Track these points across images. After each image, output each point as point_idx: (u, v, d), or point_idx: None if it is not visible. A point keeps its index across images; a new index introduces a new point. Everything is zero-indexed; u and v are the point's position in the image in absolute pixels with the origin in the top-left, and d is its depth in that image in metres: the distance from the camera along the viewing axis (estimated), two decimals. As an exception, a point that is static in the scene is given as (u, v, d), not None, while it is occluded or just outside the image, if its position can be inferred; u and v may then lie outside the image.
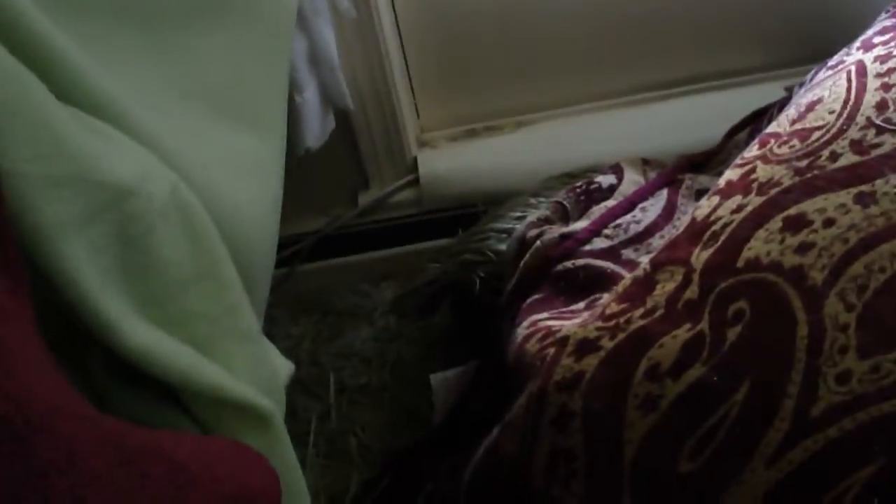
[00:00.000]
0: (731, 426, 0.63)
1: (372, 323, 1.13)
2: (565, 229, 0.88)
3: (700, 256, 0.74)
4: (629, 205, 0.91)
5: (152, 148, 0.47)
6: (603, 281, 0.85)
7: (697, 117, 1.14)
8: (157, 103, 0.55)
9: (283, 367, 0.58)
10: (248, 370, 0.48)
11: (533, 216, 0.91)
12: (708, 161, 1.01)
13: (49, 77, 0.39)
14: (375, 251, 1.18)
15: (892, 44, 0.87)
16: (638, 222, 0.89)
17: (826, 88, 0.85)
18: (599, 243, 0.88)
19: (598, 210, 0.90)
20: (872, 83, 0.82)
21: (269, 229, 0.71)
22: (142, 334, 0.41)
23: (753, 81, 1.14)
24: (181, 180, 0.47)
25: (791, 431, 0.61)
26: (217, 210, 0.52)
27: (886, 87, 0.81)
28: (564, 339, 0.73)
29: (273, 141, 0.74)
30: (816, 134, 0.80)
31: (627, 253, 0.88)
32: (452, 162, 1.16)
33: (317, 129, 1.01)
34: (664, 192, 0.94)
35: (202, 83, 0.64)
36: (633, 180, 0.94)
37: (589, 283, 0.86)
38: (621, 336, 0.71)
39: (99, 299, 0.38)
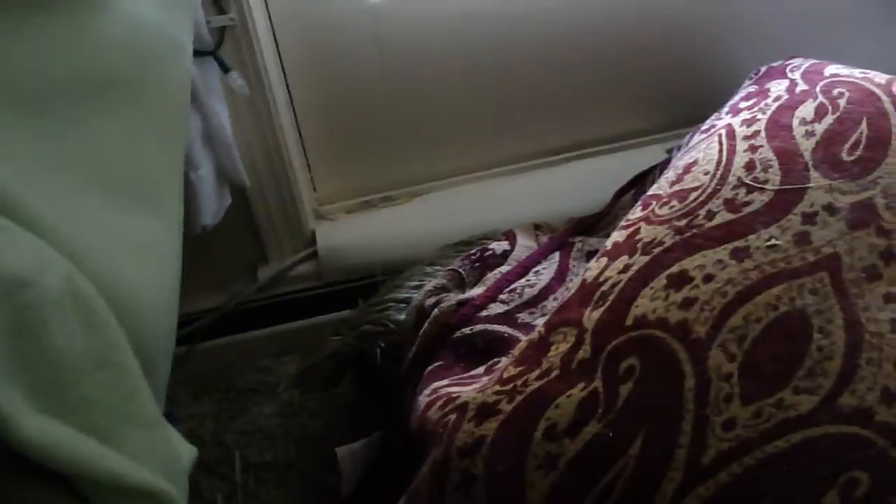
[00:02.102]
0: (627, 480, 0.65)
1: (275, 398, 1.12)
2: (462, 296, 0.91)
3: (591, 316, 0.77)
4: (523, 269, 0.94)
5: (47, 236, 0.47)
6: (501, 345, 0.88)
7: (585, 181, 1.19)
8: (50, 189, 0.55)
9: (186, 451, 0.57)
10: (149, 456, 0.47)
11: (430, 285, 0.93)
12: (597, 223, 1.06)
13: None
14: (276, 326, 1.18)
15: (756, 108, 0.93)
16: (532, 286, 0.92)
17: (700, 151, 0.91)
18: (495, 308, 0.90)
19: (492, 276, 0.93)
20: (741, 145, 0.89)
21: (167, 310, 0.70)
22: (37, 426, 0.40)
23: (636, 145, 1.20)
24: (76, 268, 0.47)
25: (684, 481, 0.64)
26: (114, 295, 0.52)
27: (753, 149, 0.88)
28: (464, 405, 0.75)
29: (169, 220, 0.74)
30: (693, 195, 0.85)
31: (523, 317, 0.91)
32: (350, 234, 1.18)
33: (213, 207, 1.01)
34: (556, 256, 0.98)
35: (95, 166, 0.64)
36: (525, 245, 0.98)
37: (487, 349, 0.88)
38: (519, 399, 0.73)
39: (-6, 393, 0.38)
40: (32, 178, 0.53)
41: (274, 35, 1.07)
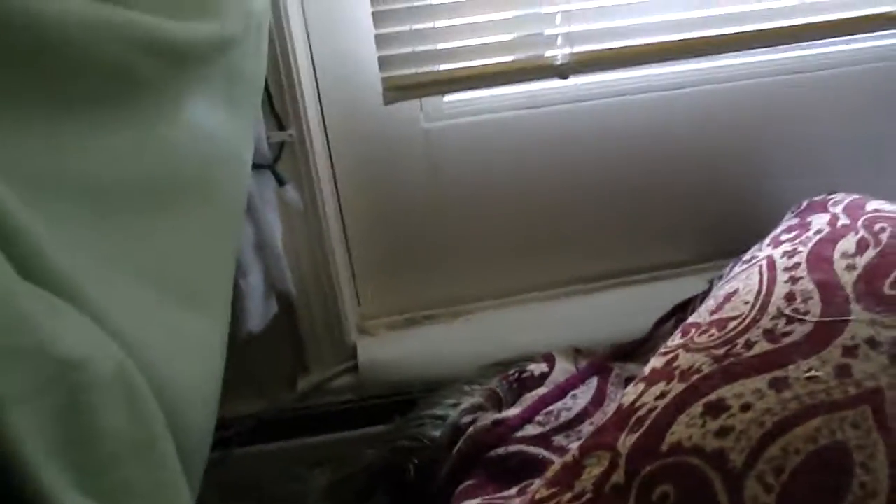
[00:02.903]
0: None
1: (306, 510, 1.11)
2: (498, 416, 0.91)
3: (626, 441, 0.76)
4: (560, 392, 0.94)
5: (103, 324, 0.49)
6: (534, 467, 0.87)
7: (627, 308, 1.20)
8: (109, 282, 0.57)
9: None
10: None
11: (467, 403, 0.94)
12: (636, 350, 1.06)
13: (11, 252, 0.42)
14: (313, 436, 1.18)
15: (797, 240, 0.94)
16: (569, 409, 0.92)
17: (741, 281, 0.92)
18: (531, 430, 0.90)
19: (530, 397, 0.93)
20: (781, 276, 0.89)
21: (208, 408, 0.72)
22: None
23: (679, 275, 1.21)
24: (128, 357, 0.49)
25: None
26: (161, 387, 0.54)
27: (794, 280, 0.88)
28: (496, 524, 0.74)
29: (218, 322, 0.76)
30: (733, 323, 0.85)
31: (559, 439, 0.90)
32: (391, 350, 1.19)
33: (259, 314, 1.04)
34: (594, 380, 0.98)
35: (154, 264, 0.67)
36: (564, 369, 0.98)
37: (521, 470, 0.87)
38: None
39: (41, 469, 0.39)
40: (93, 268, 0.55)
41: (330, 152, 1.12)
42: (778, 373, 0.78)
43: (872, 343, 0.80)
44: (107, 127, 0.64)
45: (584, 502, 0.73)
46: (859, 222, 0.96)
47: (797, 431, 0.73)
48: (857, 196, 1.02)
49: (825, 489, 0.68)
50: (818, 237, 0.95)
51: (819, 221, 0.98)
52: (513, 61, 1.00)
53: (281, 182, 1.03)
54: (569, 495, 0.74)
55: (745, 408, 0.76)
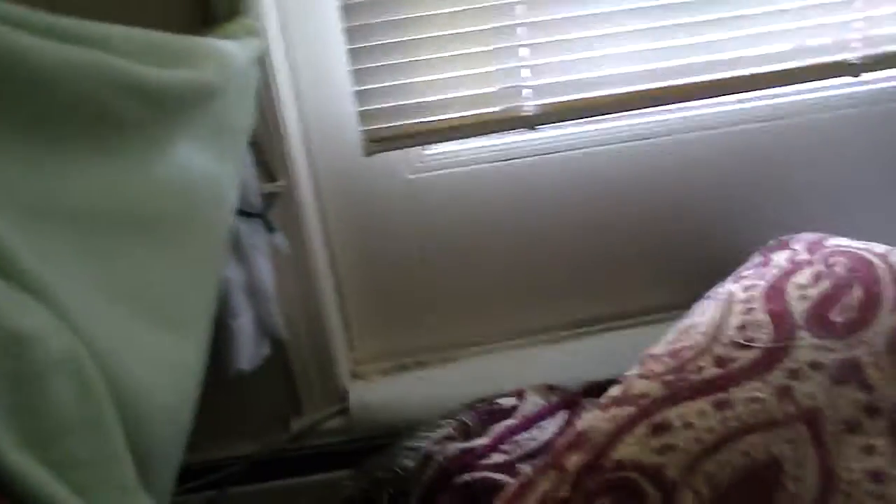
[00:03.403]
0: None
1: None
2: (466, 445, 0.95)
3: (574, 460, 0.80)
4: (528, 423, 0.98)
5: (64, 320, 0.55)
6: (498, 493, 0.90)
7: (612, 352, 1.23)
8: (80, 292, 0.63)
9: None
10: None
11: (438, 434, 0.98)
12: (608, 387, 1.09)
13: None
14: (304, 477, 1.22)
15: (756, 276, 0.98)
16: (534, 439, 0.96)
17: (700, 314, 0.96)
18: (497, 458, 0.94)
19: (497, 428, 0.97)
20: (737, 307, 0.93)
21: (176, 426, 0.77)
22: (21, 460, 0.46)
23: (660, 320, 1.24)
24: (81, 346, 0.55)
25: None
26: (115, 381, 0.59)
27: (747, 311, 0.92)
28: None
29: (192, 345, 0.82)
30: (686, 353, 0.89)
31: (523, 467, 0.94)
32: (382, 393, 1.24)
33: (249, 354, 1.10)
34: (563, 414, 1.02)
35: (129, 284, 0.73)
36: (534, 402, 1.02)
37: (485, 495, 0.91)
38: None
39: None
40: (65, 278, 0.62)
41: (320, 202, 1.19)
42: (722, 395, 0.82)
43: (815, 365, 0.84)
44: (87, 160, 0.71)
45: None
46: (817, 256, 1.00)
47: (733, 446, 0.76)
48: (821, 235, 1.06)
49: (754, 499, 0.71)
50: (776, 271, 0.99)
51: (779, 258, 1.02)
52: (482, 114, 1.07)
53: (270, 230, 1.10)
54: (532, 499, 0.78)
55: (688, 426, 0.79)
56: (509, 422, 0.98)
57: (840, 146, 1.23)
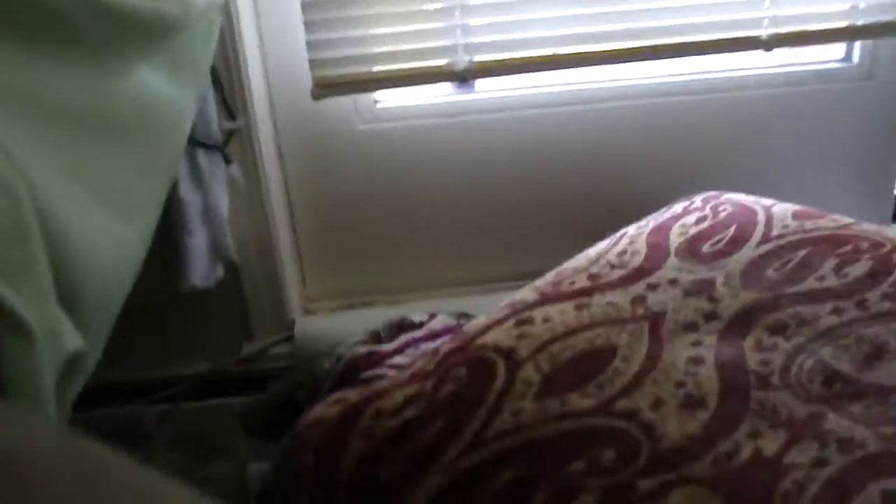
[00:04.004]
0: (423, 447, 0.77)
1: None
2: (373, 348, 1.06)
3: (446, 346, 0.91)
4: (432, 335, 1.08)
5: (17, 171, 0.67)
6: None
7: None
8: (39, 164, 0.76)
9: (70, 336, 0.73)
10: (30, 306, 0.64)
11: (352, 340, 1.09)
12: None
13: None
14: (250, 396, 1.34)
15: (652, 218, 1.08)
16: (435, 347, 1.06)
17: (595, 247, 1.06)
18: (399, 360, 1.05)
19: (404, 337, 1.08)
20: (624, 241, 1.03)
21: (111, 294, 0.89)
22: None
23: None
24: (20, 183, 0.67)
25: (467, 445, 0.75)
26: (61, 241, 0.71)
27: (631, 242, 1.02)
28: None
29: (135, 231, 0.94)
30: (568, 271, 1.00)
31: (419, 366, 1.04)
32: (325, 326, 1.35)
33: (203, 272, 1.22)
34: (468, 332, 1.12)
35: (85, 169, 0.85)
36: (442, 320, 1.13)
37: (383, 386, 1.01)
38: (367, 392, 0.87)
39: None
40: (25, 145, 0.74)
41: (277, 143, 1.32)
42: (584, 300, 0.92)
43: (673, 282, 0.94)
44: (58, 66, 0.83)
45: (395, 383, 0.87)
46: (708, 206, 1.10)
47: (580, 335, 0.86)
48: (725, 191, 1.15)
49: (581, 372, 0.81)
50: (668, 215, 1.09)
51: (678, 206, 1.12)
52: (418, 67, 1.19)
53: (227, 162, 1.23)
54: (389, 382, 0.89)
55: (546, 320, 0.89)
56: (416, 333, 1.08)
57: (763, 122, 1.33)
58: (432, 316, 1.15)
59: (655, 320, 0.88)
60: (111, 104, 0.93)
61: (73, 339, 0.76)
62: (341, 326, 1.36)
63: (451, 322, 1.14)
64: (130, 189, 0.95)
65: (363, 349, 1.06)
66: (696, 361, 0.82)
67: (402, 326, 1.12)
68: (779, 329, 0.86)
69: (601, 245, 1.06)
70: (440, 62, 1.20)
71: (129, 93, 0.96)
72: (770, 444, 0.72)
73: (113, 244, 0.87)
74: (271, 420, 1.15)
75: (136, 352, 1.35)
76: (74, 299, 0.73)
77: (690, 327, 0.87)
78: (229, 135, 1.24)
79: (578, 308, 0.91)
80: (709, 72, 1.30)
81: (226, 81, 1.21)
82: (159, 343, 1.35)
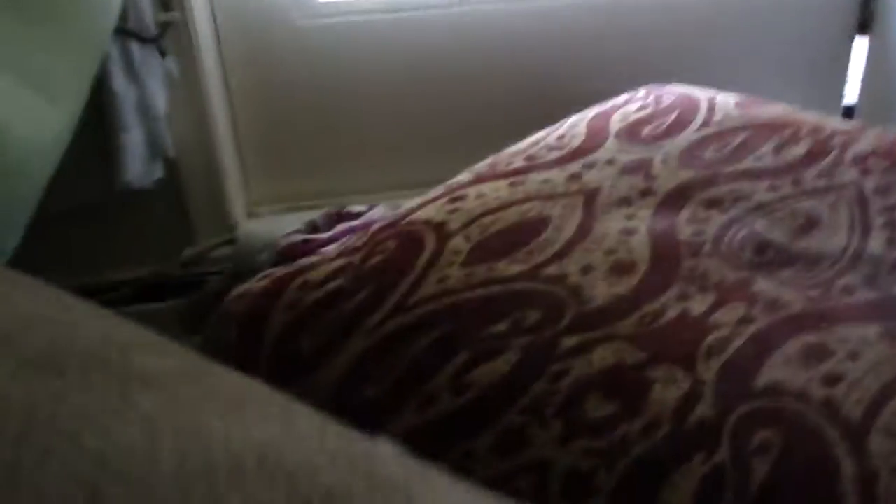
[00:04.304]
0: (346, 317, 0.75)
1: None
2: (307, 236, 1.03)
3: (377, 224, 0.89)
4: (368, 224, 1.06)
5: None
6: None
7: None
8: None
9: None
10: None
11: (289, 230, 1.06)
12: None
13: None
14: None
15: (596, 107, 1.06)
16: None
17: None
18: (332, 248, 1.03)
19: (340, 226, 1.06)
20: (565, 127, 1.01)
21: (37, 169, 0.87)
22: None
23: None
24: None
25: (389, 312, 0.73)
26: None
27: (572, 126, 1.01)
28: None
29: (62, 112, 0.91)
30: (506, 154, 0.98)
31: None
32: (268, 227, 1.32)
33: (139, 169, 1.19)
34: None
35: (12, 58, 0.83)
36: (380, 211, 1.10)
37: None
38: (293, 267, 0.85)
39: None
40: None
41: (216, 38, 1.28)
42: (519, 177, 0.91)
43: (610, 161, 0.92)
44: None
45: (325, 258, 0.85)
46: (651, 96, 1.08)
47: (512, 209, 0.85)
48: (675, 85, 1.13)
49: (514, 240, 0.79)
50: (610, 104, 1.07)
51: (622, 98, 1.10)
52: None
53: (162, 55, 1.19)
54: (332, 252, 0.87)
55: (479, 196, 0.88)
56: (354, 222, 1.06)
57: (708, 21, 1.30)
58: (371, 207, 1.13)
59: (590, 195, 0.87)
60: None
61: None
62: (285, 228, 1.34)
63: (391, 214, 1.11)
64: (54, 69, 0.91)
65: (298, 237, 1.04)
66: (629, 232, 0.81)
67: (341, 216, 1.09)
68: (714, 203, 0.85)
69: (543, 132, 1.04)
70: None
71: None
72: (698, 306, 0.71)
73: (34, 120, 0.84)
74: (210, 315, 1.13)
75: (76, 257, 1.32)
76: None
77: (625, 202, 0.86)
78: (165, 27, 1.20)
79: (513, 185, 0.90)
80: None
81: (159, -31, 1.16)
82: (99, 248, 1.32)
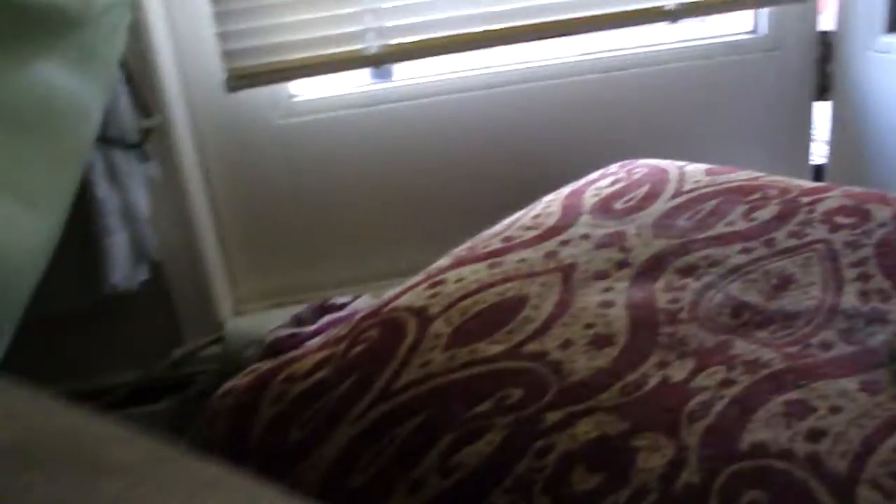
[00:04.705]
0: (332, 405, 0.76)
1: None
2: (294, 330, 1.04)
3: (360, 314, 0.90)
4: (353, 315, 1.07)
5: None
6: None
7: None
8: None
9: None
10: None
11: (275, 325, 1.07)
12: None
13: None
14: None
15: (570, 186, 1.09)
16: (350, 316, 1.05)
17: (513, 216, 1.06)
18: (319, 340, 1.03)
19: (326, 318, 1.07)
20: (540, 205, 1.04)
21: (19, 283, 0.88)
22: None
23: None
24: None
25: (374, 400, 0.74)
26: None
27: (546, 206, 1.03)
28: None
29: (45, 222, 0.93)
30: (484, 236, 1.00)
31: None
32: (255, 324, 1.33)
33: (124, 272, 1.20)
34: (394, 312, 1.11)
35: None
36: (365, 301, 1.12)
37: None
38: (279, 361, 0.85)
39: None
40: None
41: (197, 141, 1.31)
42: (497, 259, 0.92)
43: (585, 237, 0.94)
44: None
45: (320, 344, 0.86)
46: (623, 170, 1.11)
47: (491, 290, 0.86)
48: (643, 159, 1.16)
49: (494, 321, 0.80)
50: (584, 181, 1.09)
51: (594, 174, 1.13)
52: (330, 54, 1.19)
53: (144, 159, 1.22)
54: (316, 344, 0.88)
55: (458, 280, 0.89)
56: (339, 314, 1.07)
57: (676, 96, 1.35)
58: (356, 297, 1.14)
59: (567, 271, 0.88)
60: (13, 98, 0.92)
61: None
62: (272, 323, 1.34)
63: (374, 303, 1.12)
64: (36, 180, 0.94)
65: (285, 332, 1.04)
66: (607, 305, 0.82)
67: (325, 308, 1.10)
68: (689, 271, 0.87)
69: (519, 213, 1.07)
70: (352, 48, 1.21)
71: (32, 87, 0.96)
72: (678, 373, 0.72)
73: (17, 232, 0.86)
74: (198, 414, 1.13)
75: (66, 362, 1.33)
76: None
77: (602, 276, 0.87)
78: (146, 133, 1.23)
79: (491, 266, 0.91)
80: (619, 49, 1.32)
81: (139, 78, 1.20)
82: (89, 352, 1.32)
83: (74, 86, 1.05)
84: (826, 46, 1.38)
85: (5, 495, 0.20)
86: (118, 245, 1.20)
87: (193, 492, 0.24)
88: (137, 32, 1.17)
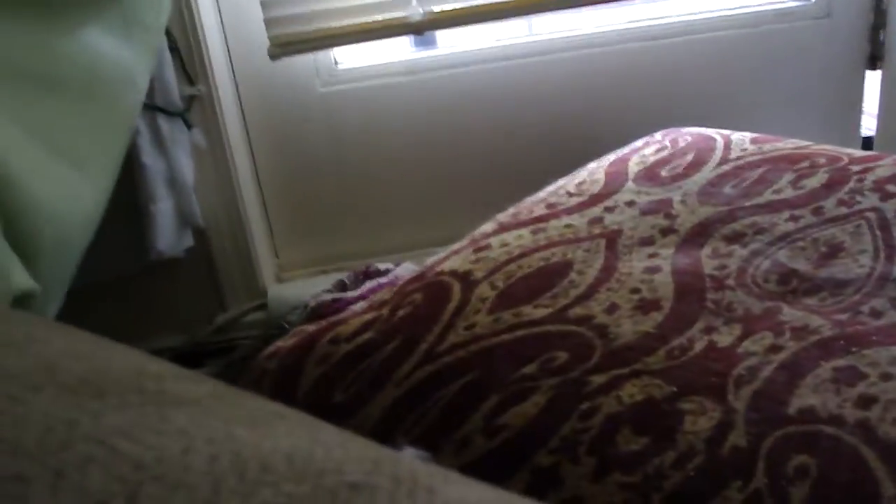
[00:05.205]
0: (376, 367, 0.76)
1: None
2: (338, 295, 1.05)
3: (407, 278, 0.90)
4: (396, 281, 1.08)
5: None
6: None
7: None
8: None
9: (20, 276, 0.73)
10: None
11: (319, 290, 1.08)
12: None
13: None
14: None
15: (614, 153, 1.08)
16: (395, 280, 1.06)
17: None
18: (362, 304, 1.04)
19: (369, 283, 1.07)
20: (584, 172, 1.03)
21: (73, 243, 0.90)
22: None
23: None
24: None
25: (419, 362, 0.74)
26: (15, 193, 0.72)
27: (591, 172, 1.02)
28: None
29: (92, 185, 0.94)
30: (527, 202, 1.00)
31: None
32: (297, 291, 1.35)
33: (169, 238, 1.22)
34: (435, 278, 1.11)
35: (42, 128, 0.86)
36: (407, 267, 1.12)
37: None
38: (323, 323, 0.86)
39: None
40: None
41: (240, 108, 1.32)
42: (541, 224, 0.92)
43: (630, 203, 0.93)
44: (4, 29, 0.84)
45: (356, 311, 0.86)
46: (667, 139, 1.09)
47: (535, 255, 0.86)
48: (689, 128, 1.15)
49: (539, 285, 0.80)
50: (628, 149, 1.09)
51: (638, 143, 1.12)
52: (373, 21, 1.19)
53: (188, 127, 1.23)
54: (361, 307, 0.88)
55: (503, 244, 0.89)
56: (381, 280, 1.08)
57: (724, 64, 1.32)
58: (398, 264, 1.15)
59: (611, 237, 0.88)
60: (61, 65, 0.93)
61: (22, 279, 0.76)
62: (314, 290, 1.36)
63: (417, 269, 1.13)
64: (86, 145, 0.95)
65: (328, 297, 1.05)
66: (652, 270, 0.81)
67: (368, 274, 1.11)
68: (736, 238, 0.86)
69: (562, 180, 1.06)
70: (396, 15, 1.20)
71: (79, 54, 0.97)
72: (725, 338, 0.71)
73: (68, 195, 0.87)
74: (243, 378, 1.14)
75: (110, 328, 1.35)
76: (28, 245, 0.73)
77: (647, 242, 0.87)
78: (190, 100, 1.24)
79: (535, 232, 0.91)
80: (667, 17, 1.30)
81: (184, 46, 1.21)
82: (134, 317, 1.35)
83: (120, 53, 1.06)
84: (880, 13, 1.35)
85: (81, 420, 0.21)
86: (163, 212, 1.21)
87: (260, 421, 0.25)
88: (182, 1, 1.17)
